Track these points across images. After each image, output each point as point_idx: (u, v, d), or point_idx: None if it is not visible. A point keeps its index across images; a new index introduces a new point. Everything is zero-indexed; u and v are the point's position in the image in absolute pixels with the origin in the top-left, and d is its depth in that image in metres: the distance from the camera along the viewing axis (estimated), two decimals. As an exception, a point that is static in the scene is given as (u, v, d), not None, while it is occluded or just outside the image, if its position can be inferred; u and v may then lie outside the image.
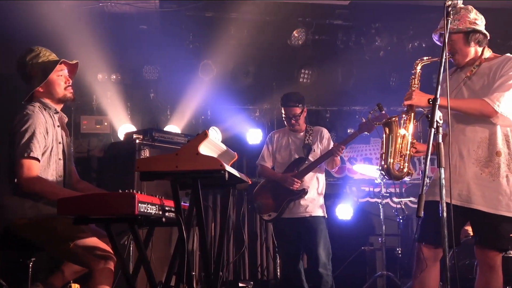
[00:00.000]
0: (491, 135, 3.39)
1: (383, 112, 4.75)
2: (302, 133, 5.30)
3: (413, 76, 3.54)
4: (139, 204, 2.63)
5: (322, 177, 5.25)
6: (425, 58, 3.56)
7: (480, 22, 3.49)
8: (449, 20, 2.89)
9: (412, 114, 3.44)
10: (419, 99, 3.37)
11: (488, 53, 3.52)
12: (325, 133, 5.34)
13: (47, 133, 3.25)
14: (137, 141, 5.35)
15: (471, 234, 5.77)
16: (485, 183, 3.36)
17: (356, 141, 5.73)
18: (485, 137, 3.40)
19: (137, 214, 2.61)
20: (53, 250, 3.17)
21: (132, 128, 6.31)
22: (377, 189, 7.09)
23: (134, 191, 2.64)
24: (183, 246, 2.90)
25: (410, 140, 3.45)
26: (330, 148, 5.10)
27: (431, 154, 2.49)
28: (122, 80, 6.71)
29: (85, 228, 3.11)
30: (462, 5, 3.38)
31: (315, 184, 5.17)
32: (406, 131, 3.45)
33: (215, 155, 3.00)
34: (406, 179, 6.25)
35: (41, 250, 3.26)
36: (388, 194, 6.20)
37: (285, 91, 5.48)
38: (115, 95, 6.62)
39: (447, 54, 2.76)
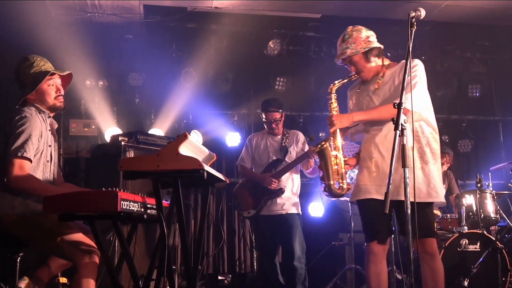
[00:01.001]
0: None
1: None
2: (279, 136, 5.29)
3: (330, 102, 3.65)
4: (122, 202, 2.56)
5: (297, 177, 5.24)
6: (336, 82, 3.67)
7: (372, 37, 3.62)
8: (412, 31, 2.89)
9: (338, 133, 3.57)
10: (341, 122, 3.50)
11: (386, 61, 3.64)
12: (301, 136, 5.34)
13: (41, 136, 3.18)
14: (123, 143, 5.26)
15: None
16: (409, 175, 3.37)
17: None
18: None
19: (119, 211, 2.54)
20: (40, 245, 3.08)
21: (118, 131, 6.24)
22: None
23: (117, 189, 2.57)
24: (163, 241, 2.84)
25: (342, 158, 3.59)
26: (306, 150, 5.09)
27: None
28: (109, 86, 6.66)
29: (72, 225, 3.03)
30: (350, 29, 3.59)
31: (290, 184, 5.16)
32: (337, 151, 3.57)
33: (194, 155, 2.94)
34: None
35: (28, 245, 3.17)
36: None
37: (261, 98, 5.46)
38: (102, 100, 6.57)
39: (410, 59, 2.70)
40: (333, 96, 3.64)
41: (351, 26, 3.62)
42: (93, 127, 6.59)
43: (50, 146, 3.30)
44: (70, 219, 2.65)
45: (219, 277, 6.67)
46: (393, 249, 5.15)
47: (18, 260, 3.22)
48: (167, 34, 6.59)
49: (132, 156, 5.13)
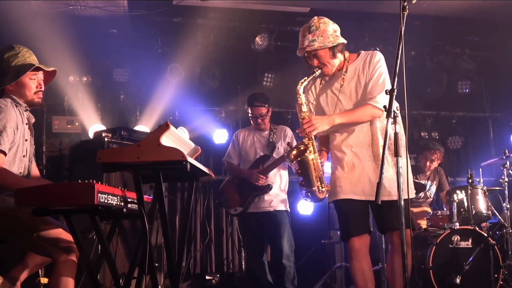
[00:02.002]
0: (373, 130, 3.43)
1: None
2: (266, 132, 5.17)
3: (299, 102, 3.44)
4: (99, 195, 2.41)
5: (285, 174, 5.13)
6: (302, 81, 3.47)
7: (338, 32, 3.47)
8: (404, 14, 2.80)
9: (313, 136, 3.41)
10: (322, 125, 3.32)
11: (347, 54, 3.52)
12: (289, 131, 5.22)
13: (17, 129, 3.02)
14: (106, 139, 5.11)
15: (423, 227, 5.75)
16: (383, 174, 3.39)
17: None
18: (371, 134, 3.43)
19: (96, 204, 2.39)
20: (16, 241, 2.92)
21: (102, 128, 6.07)
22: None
23: (94, 181, 2.42)
24: (145, 237, 2.70)
25: (319, 161, 3.44)
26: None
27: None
28: (93, 82, 6.51)
29: (50, 220, 2.87)
30: (316, 20, 3.40)
31: (278, 180, 5.05)
32: (314, 154, 3.41)
33: (177, 147, 2.79)
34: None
35: (5, 242, 3.00)
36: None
37: (249, 94, 5.32)
38: (86, 96, 6.43)
39: (402, 48, 2.58)
40: (302, 97, 3.44)
41: (317, 17, 3.44)
42: (77, 124, 6.44)
43: (26, 140, 3.14)
44: (44, 214, 2.49)
45: (207, 277, 6.55)
46: (383, 247, 5.05)
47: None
48: (152, 29, 6.45)
49: (115, 151, 4.98)
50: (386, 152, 3.18)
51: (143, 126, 6.38)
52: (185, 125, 6.45)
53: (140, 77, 6.53)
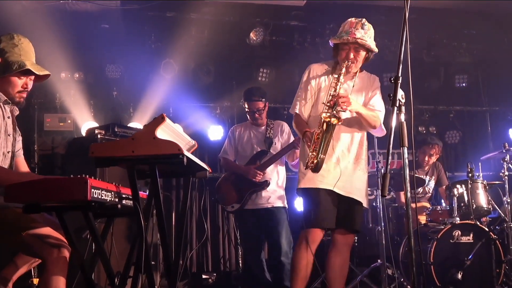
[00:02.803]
0: (361, 137, 3.66)
1: None
2: (263, 127, 5.08)
3: (340, 81, 3.45)
4: (92, 190, 2.30)
5: (282, 169, 5.05)
6: (344, 65, 3.49)
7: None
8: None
9: None
10: (354, 104, 3.43)
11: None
12: (286, 127, 5.13)
13: None
14: (99, 136, 4.99)
15: (423, 222, 5.68)
16: (359, 178, 3.61)
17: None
18: (358, 139, 3.64)
19: (90, 200, 2.28)
20: (4, 240, 2.78)
21: (95, 125, 5.96)
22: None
23: (87, 176, 2.31)
24: (141, 235, 2.59)
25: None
26: (291, 141, 4.89)
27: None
28: (85, 79, 6.41)
29: (38, 218, 2.73)
30: (367, 22, 3.52)
31: (276, 176, 4.97)
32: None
33: (173, 140, 2.69)
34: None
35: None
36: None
37: (245, 89, 5.23)
38: (78, 93, 6.31)
39: (407, 34, 2.48)
40: (341, 77, 3.46)
41: (364, 19, 3.54)
42: (69, 121, 6.33)
43: (9, 135, 2.96)
44: (35, 211, 2.37)
45: (203, 276, 6.44)
46: (383, 243, 4.97)
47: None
48: (145, 24, 6.34)
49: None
50: (365, 159, 3.63)
51: (137, 123, 6.26)
52: (180, 122, 6.33)
53: (133, 73, 6.42)
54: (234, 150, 5.14)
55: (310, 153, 3.39)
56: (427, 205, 5.96)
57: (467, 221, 5.02)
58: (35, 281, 4.52)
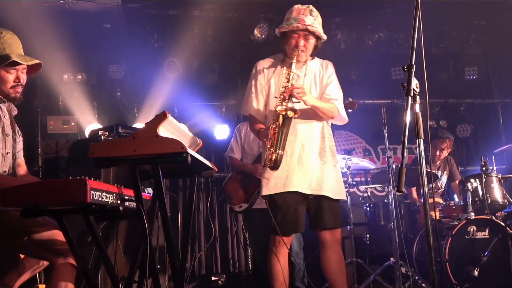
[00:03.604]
0: (322, 129, 3.47)
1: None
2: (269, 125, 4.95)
3: (291, 72, 3.30)
4: (92, 192, 2.19)
5: None
6: (294, 55, 3.35)
7: None
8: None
9: None
10: (309, 95, 3.29)
11: None
12: None
13: None
14: (102, 137, 4.91)
15: (436, 218, 5.54)
16: (327, 172, 3.41)
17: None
18: (319, 131, 3.45)
19: (89, 202, 2.17)
20: (6, 246, 2.67)
21: (99, 127, 5.87)
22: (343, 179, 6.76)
23: (86, 177, 2.20)
24: (145, 237, 2.48)
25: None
26: None
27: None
28: (88, 80, 6.32)
29: (41, 221, 2.61)
30: (315, 9, 3.41)
31: None
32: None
33: (176, 138, 2.58)
34: (372, 166, 5.95)
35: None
36: (354, 183, 5.85)
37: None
38: (81, 95, 6.23)
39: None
40: (294, 68, 3.32)
41: (311, 5, 3.44)
42: (73, 123, 6.24)
43: (8, 135, 2.83)
44: (33, 215, 2.27)
45: (213, 278, 6.36)
46: (396, 240, 4.84)
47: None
48: (147, 22, 6.25)
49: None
50: (331, 150, 3.43)
51: (142, 124, 6.17)
52: (185, 122, 6.22)
53: (137, 73, 6.35)
54: (240, 148, 5.04)
55: (267, 150, 3.23)
56: (440, 200, 5.82)
57: (482, 216, 4.87)
58: (41, 286, 4.43)
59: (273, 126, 3.21)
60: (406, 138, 2.08)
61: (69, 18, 5.71)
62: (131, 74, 6.35)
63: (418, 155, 2.17)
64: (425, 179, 2.11)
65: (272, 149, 3.20)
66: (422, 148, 2.16)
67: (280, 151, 3.18)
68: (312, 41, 3.40)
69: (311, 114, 3.40)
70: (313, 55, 3.55)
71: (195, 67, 6.55)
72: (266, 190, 3.43)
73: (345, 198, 3.59)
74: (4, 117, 2.85)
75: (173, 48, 6.31)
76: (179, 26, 6.27)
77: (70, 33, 5.74)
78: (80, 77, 6.23)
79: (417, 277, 5.08)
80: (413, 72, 2.17)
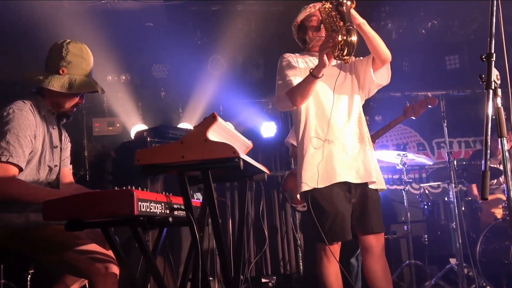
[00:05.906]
0: (360, 113, 3.21)
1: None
2: None
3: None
4: (140, 203, 2.03)
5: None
6: None
7: None
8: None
9: None
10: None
11: None
12: None
13: (35, 137, 2.56)
14: (148, 139, 4.81)
15: (499, 216, 5.20)
16: (372, 157, 3.13)
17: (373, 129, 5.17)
18: (357, 116, 3.18)
19: (137, 214, 2.01)
20: (47, 261, 2.55)
21: (144, 128, 5.83)
22: (396, 176, 6.48)
23: (133, 188, 2.05)
24: (196, 248, 2.31)
25: None
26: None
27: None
28: (132, 80, 6.30)
29: (81, 234, 2.48)
30: None
31: None
32: None
33: (227, 142, 2.40)
34: (429, 162, 5.62)
35: (34, 260, 2.65)
36: (410, 180, 5.56)
37: (297, 81, 4.90)
38: (125, 96, 6.21)
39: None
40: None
41: None
42: (118, 125, 6.23)
43: (55, 147, 2.74)
44: (78, 228, 2.13)
45: (263, 280, 6.19)
46: (460, 241, 4.53)
47: (29, 278, 2.74)
48: (190, 20, 6.11)
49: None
50: (367, 139, 3.12)
51: (187, 124, 6.10)
52: (231, 120, 5.98)
53: (180, 71, 6.26)
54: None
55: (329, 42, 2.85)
56: (503, 197, 5.46)
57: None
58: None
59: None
60: (489, 136, 1.83)
61: (111, 18, 5.63)
62: (175, 73, 6.27)
63: (502, 155, 1.91)
64: (510, 182, 1.85)
65: (334, 34, 2.83)
66: (506, 147, 1.91)
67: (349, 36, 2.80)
68: None
69: (349, 97, 3.19)
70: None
71: (239, 63, 6.42)
72: (307, 184, 3.04)
73: (385, 188, 3.19)
74: (53, 128, 2.75)
75: (216, 44, 6.20)
76: (222, 22, 6.10)
77: (112, 33, 5.64)
78: (124, 77, 6.22)
79: (482, 280, 4.76)
80: (493, 62, 1.91)
